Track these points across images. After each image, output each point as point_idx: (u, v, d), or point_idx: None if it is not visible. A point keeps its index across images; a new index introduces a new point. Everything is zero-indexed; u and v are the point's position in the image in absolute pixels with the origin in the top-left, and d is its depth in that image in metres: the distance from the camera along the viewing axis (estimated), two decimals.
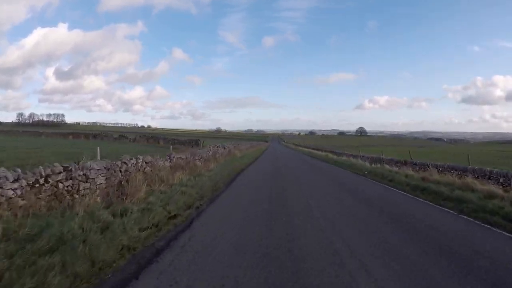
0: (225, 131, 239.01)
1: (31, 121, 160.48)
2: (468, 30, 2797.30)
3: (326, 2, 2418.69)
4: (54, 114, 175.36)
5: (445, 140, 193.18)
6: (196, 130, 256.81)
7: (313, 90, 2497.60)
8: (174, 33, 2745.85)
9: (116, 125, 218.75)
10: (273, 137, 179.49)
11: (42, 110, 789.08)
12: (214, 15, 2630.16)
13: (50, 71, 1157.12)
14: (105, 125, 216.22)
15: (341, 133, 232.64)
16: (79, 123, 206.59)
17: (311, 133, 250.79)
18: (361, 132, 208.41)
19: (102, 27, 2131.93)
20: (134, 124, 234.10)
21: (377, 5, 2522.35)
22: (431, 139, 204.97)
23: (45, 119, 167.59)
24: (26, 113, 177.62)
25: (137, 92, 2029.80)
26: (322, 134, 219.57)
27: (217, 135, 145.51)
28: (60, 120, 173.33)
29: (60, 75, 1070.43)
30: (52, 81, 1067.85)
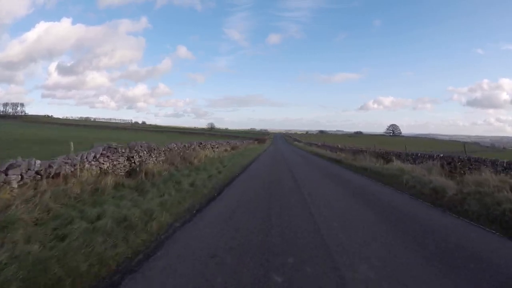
0: (226, 129, 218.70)
1: None
2: (474, 31, 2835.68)
3: (331, 3, 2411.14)
4: (12, 103, 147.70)
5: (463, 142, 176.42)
6: (195, 127, 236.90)
7: (317, 89, 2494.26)
8: (178, 30, 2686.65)
9: (110, 121, 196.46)
10: (275, 136, 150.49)
11: (44, 106, 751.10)
12: (218, 13, 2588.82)
13: (52, 66, 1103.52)
14: (99, 120, 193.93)
15: (358, 133, 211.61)
16: (49, 116, 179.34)
17: (322, 132, 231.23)
18: (393, 131, 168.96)
19: (104, 22, 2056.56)
20: (128, 120, 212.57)
21: (382, 5, 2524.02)
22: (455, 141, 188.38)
23: (1, 108, 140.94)
24: None
25: (140, 89, 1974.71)
26: (342, 135, 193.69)
27: (210, 132, 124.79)
28: (19, 110, 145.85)
29: (63, 70, 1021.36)
30: (55, 77, 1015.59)
